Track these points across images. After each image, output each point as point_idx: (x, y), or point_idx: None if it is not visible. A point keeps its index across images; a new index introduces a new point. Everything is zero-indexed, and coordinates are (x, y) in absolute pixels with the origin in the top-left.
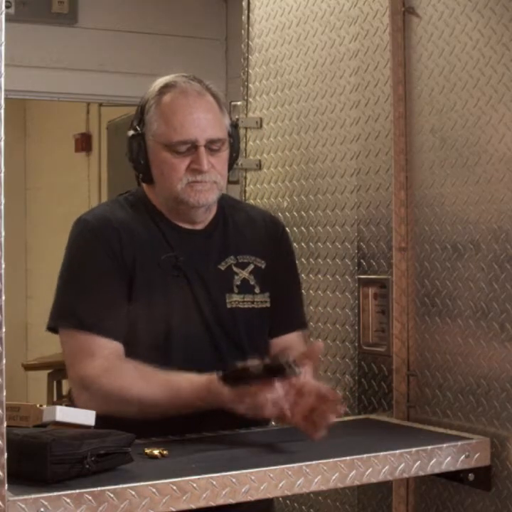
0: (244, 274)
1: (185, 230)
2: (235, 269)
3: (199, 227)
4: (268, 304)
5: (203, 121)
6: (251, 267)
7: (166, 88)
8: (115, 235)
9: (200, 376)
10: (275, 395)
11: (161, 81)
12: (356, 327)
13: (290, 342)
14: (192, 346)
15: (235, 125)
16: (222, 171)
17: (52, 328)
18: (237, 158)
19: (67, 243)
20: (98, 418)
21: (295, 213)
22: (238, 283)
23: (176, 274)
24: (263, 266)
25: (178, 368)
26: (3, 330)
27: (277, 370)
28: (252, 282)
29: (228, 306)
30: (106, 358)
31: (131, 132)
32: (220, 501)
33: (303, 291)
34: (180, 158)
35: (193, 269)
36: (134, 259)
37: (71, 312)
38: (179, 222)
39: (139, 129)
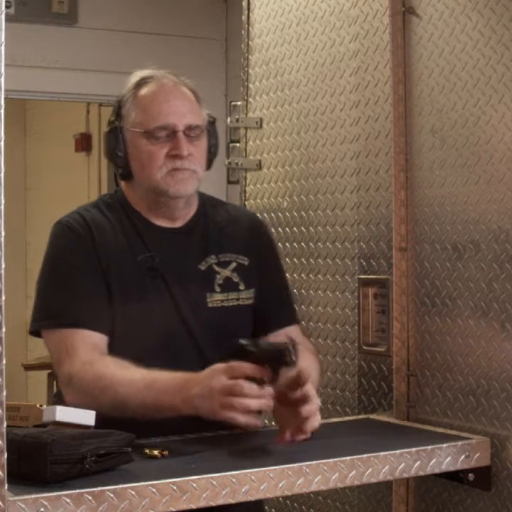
0: (226, 272)
1: (163, 229)
2: (216, 268)
3: (178, 224)
4: (252, 301)
5: (181, 108)
6: (233, 265)
7: (142, 81)
8: (90, 236)
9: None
10: (265, 394)
11: (136, 75)
12: (356, 327)
13: (290, 335)
14: (173, 348)
15: (212, 121)
16: (200, 160)
17: (35, 332)
18: (216, 155)
19: (46, 247)
20: (98, 418)
21: (295, 213)
22: (220, 282)
23: (152, 275)
24: (246, 263)
25: (160, 369)
26: (3, 330)
27: (277, 355)
28: (235, 279)
29: (209, 305)
30: (88, 353)
31: (108, 128)
32: (220, 501)
33: (303, 291)
34: (159, 145)
35: (171, 269)
36: (109, 261)
37: (51, 312)
38: (157, 221)
39: (116, 123)
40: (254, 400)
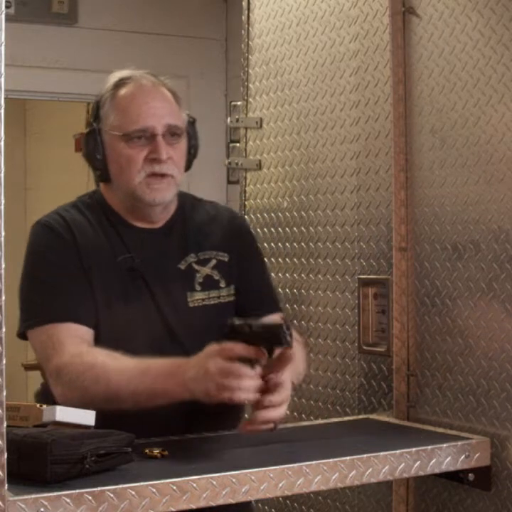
0: (206, 270)
1: (142, 230)
2: (195, 266)
3: (157, 225)
4: (233, 298)
5: (160, 110)
6: (213, 262)
7: (120, 82)
8: (71, 236)
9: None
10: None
11: (115, 75)
12: (356, 327)
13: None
14: (156, 349)
15: (192, 121)
16: (179, 163)
17: (22, 334)
18: (195, 156)
19: (26, 249)
20: (98, 418)
21: (295, 213)
22: (201, 280)
23: (133, 276)
24: (226, 259)
25: None
26: (3, 330)
27: (272, 335)
28: (216, 277)
29: (190, 304)
30: (76, 345)
31: (86, 129)
32: (220, 501)
33: (303, 291)
34: (137, 149)
35: (151, 269)
36: (90, 261)
37: (35, 311)
38: (136, 222)
39: (94, 125)
40: (252, 380)
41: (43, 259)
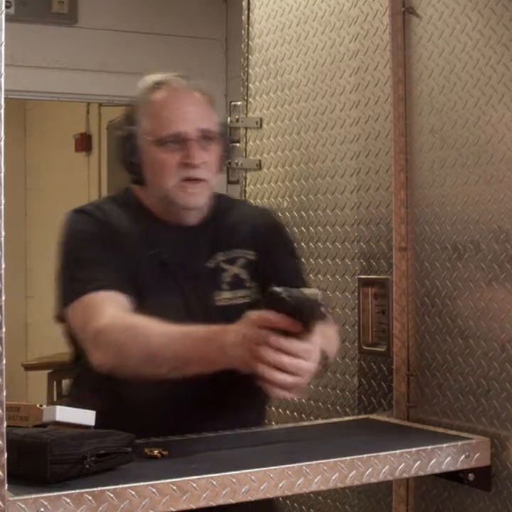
0: (234, 269)
1: (174, 227)
2: (223, 265)
3: (189, 224)
4: (259, 296)
5: (193, 114)
6: (241, 260)
7: (155, 86)
8: (108, 222)
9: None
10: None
11: (149, 79)
12: (356, 327)
13: None
14: None
15: (224, 124)
16: (213, 167)
17: (60, 315)
18: (228, 158)
19: (60, 236)
20: (98, 418)
21: (295, 213)
22: (228, 279)
23: (164, 270)
24: (253, 258)
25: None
26: (3, 330)
27: (309, 306)
28: (243, 276)
29: (217, 303)
30: (117, 309)
31: (121, 132)
32: (220, 501)
33: None
34: (171, 154)
35: (181, 267)
36: (125, 249)
37: (73, 286)
38: (169, 220)
39: (129, 128)
40: (286, 355)
41: (79, 239)
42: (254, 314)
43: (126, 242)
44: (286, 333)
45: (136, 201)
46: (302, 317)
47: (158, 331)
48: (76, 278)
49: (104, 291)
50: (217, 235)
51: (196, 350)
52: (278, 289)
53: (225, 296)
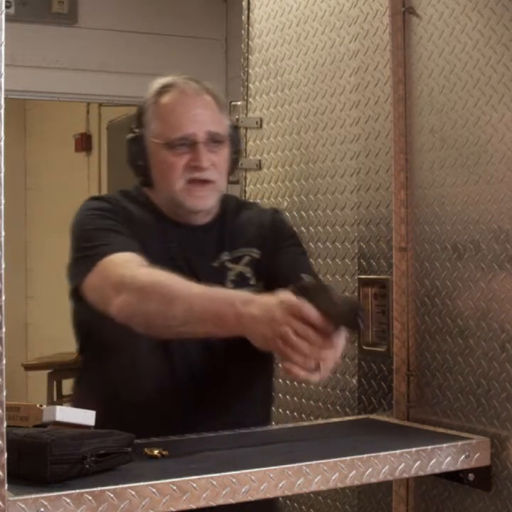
0: (239, 267)
1: (183, 226)
2: (228, 265)
3: (198, 224)
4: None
5: (201, 117)
6: (246, 258)
7: (164, 89)
8: (122, 209)
9: None
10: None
11: (159, 82)
12: None
13: None
14: (181, 341)
15: (235, 126)
16: (222, 170)
17: (74, 291)
18: (238, 160)
19: (73, 221)
20: (98, 418)
21: (295, 213)
22: (233, 278)
23: (172, 265)
24: (258, 256)
25: (170, 360)
26: (3, 330)
27: (347, 314)
28: (248, 274)
29: None
30: (139, 262)
31: (130, 135)
32: (220, 501)
33: None
34: (179, 156)
35: (187, 264)
36: (136, 236)
37: (90, 255)
38: (177, 219)
39: (137, 131)
40: (314, 349)
41: (92, 215)
42: (288, 300)
43: (137, 229)
44: (313, 327)
45: (146, 198)
46: (337, 322)
47: (179, 283)
48: (93, 246)
49: (123, 252)
50: (224, 235)
51: (214, 311)
52: (319, 283)
53: None
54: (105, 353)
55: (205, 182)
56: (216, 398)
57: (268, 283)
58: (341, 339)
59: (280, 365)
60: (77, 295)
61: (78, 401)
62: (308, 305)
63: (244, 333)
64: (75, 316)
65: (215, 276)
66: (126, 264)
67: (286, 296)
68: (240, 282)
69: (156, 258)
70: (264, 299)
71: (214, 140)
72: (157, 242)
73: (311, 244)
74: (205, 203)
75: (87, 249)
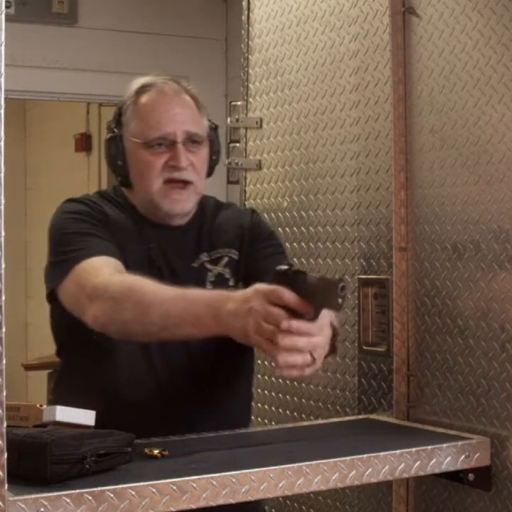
0: (218, 268)
1: (161, 227)
2: (208, 265)
3: (176, 224)
4: None
5: (180, 117)
6: (225, 259)
7: (143, 88)
8: (102, 211)
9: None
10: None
11: (138, 82)
12: (356, 327)
13: None
14: (165, 350)
15: (214, 128)
16: (200, 170)
17: (50, 294)
18: (217, 162)
19: (50, 224)
20: (98, 418)
21: (295, 213)
22: (212, 279)
23: (151, 265)
24: (236, 257)
25: (150, 359)
26: (3, 330)
27: (326, 293)
28: (227, 275)
29: None
30: (112, 269)
31: (109, 135)
32: (220, 501)
33: None
34: (157, 156)
35: (167, 265)
36: (115, 237)
37: (65, 261)
38: (156, 220)
39: (116, 130)
40: (289, 335)
41: (68, 218)
42: (264, 288)
43: (115, 230)
44: (294, 313)
45: (124, 199)
46: (316, 302)
47: (153, 289)
48: (68, 251)
49: (97, 256)
50: (202, 236)
51: (190, 313)
52: (297, 268)
53: None
54: (84, 355)
55: (183, 183)
56: (199, 397)
57: (246, 284)
58: (326, 320)
59: (273, 364)
60: (53, 298)
61: (57, 404)
62: (285, 290)
63: (224, 332)
64: (53, 318)
65: (195, 277)
66: (100, 270)
67: (261, 285)
68: (219, 283)
69: (136, 260)
70: (239, 293)
71: (193, 140)
72: (136, 243)
73: (311, 244)
74: (182, 207)
75: (63, 253)
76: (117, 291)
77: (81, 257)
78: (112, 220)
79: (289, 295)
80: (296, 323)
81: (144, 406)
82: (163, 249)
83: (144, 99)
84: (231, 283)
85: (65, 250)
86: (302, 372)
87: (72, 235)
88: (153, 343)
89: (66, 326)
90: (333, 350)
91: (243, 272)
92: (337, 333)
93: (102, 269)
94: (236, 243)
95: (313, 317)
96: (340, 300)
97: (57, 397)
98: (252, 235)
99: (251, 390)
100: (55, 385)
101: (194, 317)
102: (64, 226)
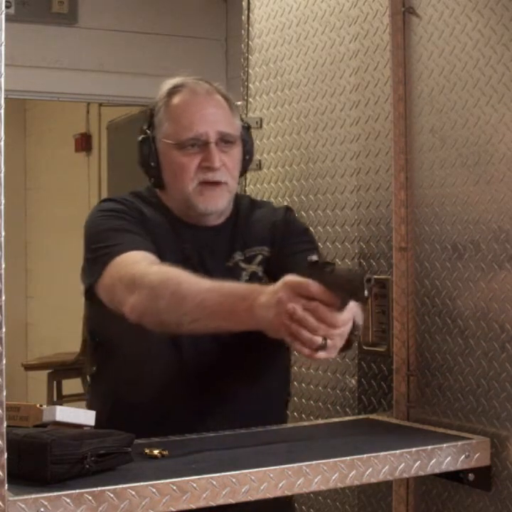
0: (252, 267)
1: (196, 227)
2: (242, 264)
3: (210, 224)
4: None
5: (213, 117)
6: (259, 258)
7: (174, 89)
8: (138, 211)
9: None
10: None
11: (169, 83)
12: None
13: None
14: (196, 341)
15: (246, 127)
16: (233, 170)
17: (87, 291)
18: (251, 161)
19: (86, 225)
20: (98, 419)
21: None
22: (246, 278)
23: (186, 265)
24: (268, 254)
25: (184, 359)
26: (3, 330)
27: (351, 285)
28: (260, 274)
29: None
30: (150, 261)
31: (141, 136)
32: (220, 501)
33: None
34: (190, 157)
35: (202, 264)
36: (151, 237)
37: (101, 258)
38: (190, 220)
39: (148, 132)
40: (321, 325)
41: (105, 215)
42: (292, 279)
43: (151, 229)
44: (321, 304)
45: (158, 200)
46: (342, 295)
47: (189, 280)
48: (105, 246)
49: (134, 251)
50: (236, 235)
51: (224, 305)
52: (324, 260)
53: None
54: (118, 351)
55: (216, 183)
56: (227, 390)
57: (279, 278)
58: (349, 314)
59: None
60: (90, 295)
61: (94, 398)
62: (312, 281)
63: (257, 326)
64: (90, 316)
65: (230, 276)
66: (137, 262)
67: (289, 277)
68: (254, 282)
69: (170, 259)
70: (270, 287)
71: (225, 140)
72: (171, 243)
73: None
74: (216, 205)
75: (100, 249)
76: (154, 280)
77: (117, 251)
78: (147, 219)
79: (315, 286)
80: (322, 308)
81: (173, 401)
82: (197, 249)
83: (176, 100)
84: (264, 281)
85: (102, 246)
86: (314, 353)
87: (108, 232)
88: (185, 338)
89: (102, 323)
90: (348, 345)
91: (275, 268)
92: (357, 329)
93: (140, 261)
94: (268, 240)
95: (340, 308)
96: (366, 292)
97: (96, 395)
98: (284, 231)
99: (287, 389)
100: (92, 383)
101: (228, 310)
102: (100, 223)
